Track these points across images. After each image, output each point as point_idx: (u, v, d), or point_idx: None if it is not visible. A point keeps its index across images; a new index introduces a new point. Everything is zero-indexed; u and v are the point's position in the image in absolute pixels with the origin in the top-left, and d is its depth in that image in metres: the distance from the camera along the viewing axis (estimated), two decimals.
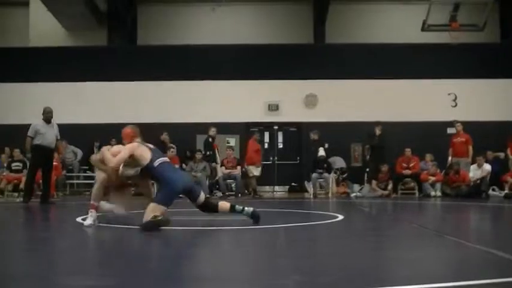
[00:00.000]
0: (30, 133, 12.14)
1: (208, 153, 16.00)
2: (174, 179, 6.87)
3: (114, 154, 7.18)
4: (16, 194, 15.04)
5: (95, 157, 7.80)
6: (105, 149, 7.45)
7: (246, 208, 7.24)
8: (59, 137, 12.61)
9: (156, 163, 6.93)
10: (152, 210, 6.58)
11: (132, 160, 7.08)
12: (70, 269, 4.33)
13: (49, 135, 12.21)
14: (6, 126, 17.42)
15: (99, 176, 7.52)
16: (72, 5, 18.56)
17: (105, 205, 7.66)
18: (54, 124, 12.42)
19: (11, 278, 3.90)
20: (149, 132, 7.52)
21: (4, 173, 15.69)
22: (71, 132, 17.36)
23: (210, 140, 16.18)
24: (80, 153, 17.76)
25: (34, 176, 12.65)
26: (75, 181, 17.87)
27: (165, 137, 16.35)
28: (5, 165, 15.72)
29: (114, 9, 19.83)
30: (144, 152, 7.03)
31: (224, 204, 7.29)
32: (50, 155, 12.44)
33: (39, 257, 4.90)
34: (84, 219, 7.20)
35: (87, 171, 17.61)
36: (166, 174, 6.89)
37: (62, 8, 19.02)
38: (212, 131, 16.21)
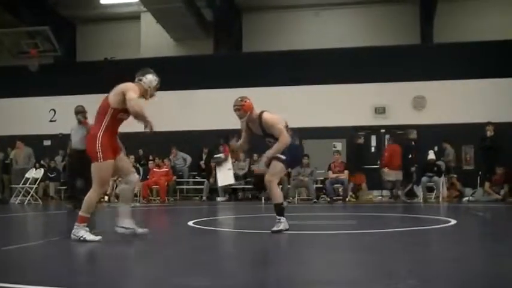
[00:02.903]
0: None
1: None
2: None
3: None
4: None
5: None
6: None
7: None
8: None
9: None
10: (280, 170, 6.87)
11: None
12: (186, 269, 4.47)
13: (75, 137, 11.26)
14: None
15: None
16: (180, 17, 19.32)
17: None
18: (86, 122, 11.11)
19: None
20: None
21: None
22: (180, 139, 17.99)
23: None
24: (189, 159, 18.26)
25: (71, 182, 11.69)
26: (184, 186, 18.38)
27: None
28: None
29: (220, 19, 20.28)
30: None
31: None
32: (78, 159, 10.41)
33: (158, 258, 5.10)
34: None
35: (197, 177, 18.10)
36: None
37: (171, 20, 19.82)
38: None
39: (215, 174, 16.31)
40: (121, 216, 6.26)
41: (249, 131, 7.14)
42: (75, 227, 6.01)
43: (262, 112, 7.00)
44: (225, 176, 15.93)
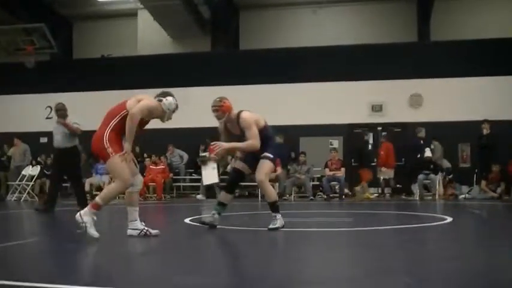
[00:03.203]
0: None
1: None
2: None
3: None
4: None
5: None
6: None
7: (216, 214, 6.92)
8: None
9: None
10: (270, 168, 6.83)
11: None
12: (183, 268, 4.47)
13: (56, 135, 10.70)
14: None
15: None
16: (177, 14, 19.31)
17: None
18: (65, 123, 10.57)
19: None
20: None
21: None
22: (176, 137, 17.96)
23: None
24: (186, 156, 18.24)
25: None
26: (181, 184, 18.37)
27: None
28: None
29: (217, 16, 20.28)
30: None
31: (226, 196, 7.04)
32: (60, 158, 10.64)
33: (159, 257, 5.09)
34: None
35: (193, 174, 18.09)
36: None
37: (168, 17, 19.81)
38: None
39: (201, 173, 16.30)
40: (130, 219, 6.18)
41: (227, 132, 7.05)
42: (86, 209, 5.93)
43: (240, 112, 6.90)
44: (209, 174, 15.86)
